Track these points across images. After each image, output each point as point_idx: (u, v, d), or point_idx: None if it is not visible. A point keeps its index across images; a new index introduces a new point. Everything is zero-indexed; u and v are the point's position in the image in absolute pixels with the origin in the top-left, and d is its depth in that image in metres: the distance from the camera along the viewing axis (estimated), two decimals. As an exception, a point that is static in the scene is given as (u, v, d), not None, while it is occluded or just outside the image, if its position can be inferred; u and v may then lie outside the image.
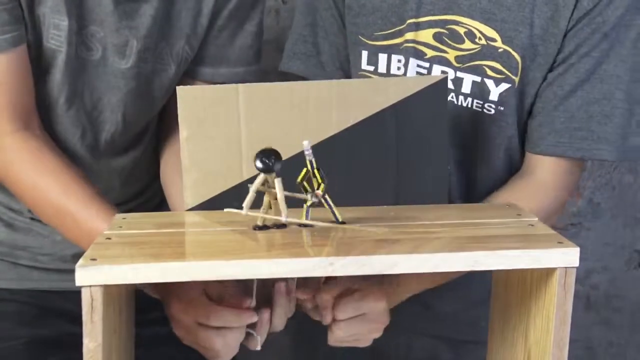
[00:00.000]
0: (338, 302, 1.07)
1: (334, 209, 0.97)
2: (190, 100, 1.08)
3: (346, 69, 1.29)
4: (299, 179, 0.96)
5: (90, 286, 0.82)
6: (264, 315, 1.05)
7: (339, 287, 1.08)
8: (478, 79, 1.19)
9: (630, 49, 1.17)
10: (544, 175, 1.20)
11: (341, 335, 1.09)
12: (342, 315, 1.07)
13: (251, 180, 0.99)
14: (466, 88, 1.20)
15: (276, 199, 0.94)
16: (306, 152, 0.95)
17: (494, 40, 1.18)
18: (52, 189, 1.13)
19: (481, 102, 1.20)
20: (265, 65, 1.66)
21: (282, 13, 1.88)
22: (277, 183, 0.93)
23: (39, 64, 1.17)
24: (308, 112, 1.08)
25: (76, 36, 1.16)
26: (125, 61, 1.19)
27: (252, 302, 1.05)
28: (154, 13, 1.19)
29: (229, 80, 1.29)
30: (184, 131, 1.08)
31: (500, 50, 1.18)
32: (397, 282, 1.11)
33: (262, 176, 0.94)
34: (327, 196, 0.96)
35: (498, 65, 1.18)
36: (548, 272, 0.89)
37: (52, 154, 1.15)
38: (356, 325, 1.08)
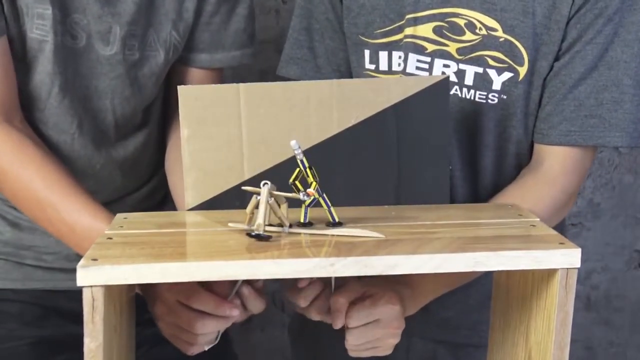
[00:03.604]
0: (350, 309, 1.06)
1: (332, 209, 0.96)
2: (191, 100, 1.08)
3: (343, 71, 1.29)
4: (291, 179, 0.95)
5: (91, 286, 0.82)
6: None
7: (353, 291, 1.07)
8: (480, 69, 1.19)
9: (635, 33, 1.16)
10: (554, 166, 1.19)
11: (355, 343, 1.07)
12: (355, 322, 1.06)
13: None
14: (469, 80, 1.20)
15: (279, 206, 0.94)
16: (296, 152, 0.95)
17: (494, 30, 1.17)
18: (35, 180, 1.12)
19: (485, 93, 1.19)
20: (265, 65, 1.65)
21: (282, 13, 1.88)
22: (264, 189, 0.92)
23: (25, 55, 1.16)
24: (308, 112, 1.08)
25: (60, 25, 1.16)
26: (109, 48, 1.19)
27: (231, 297, 1.05)
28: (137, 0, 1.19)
29: (226, 65, 1.30)
30: (184, 131, 1.08)
31: (501, 39, 1.17)
32: (411, 285, 1.10)
33: (267, 188, 0.93)
34: (324, 196, 0.96)
35: (500, 55, 1.18)
36: (549, 273, 0.89)
37: (34, 145, 1.15)
38: (370, 332, 1.07)
